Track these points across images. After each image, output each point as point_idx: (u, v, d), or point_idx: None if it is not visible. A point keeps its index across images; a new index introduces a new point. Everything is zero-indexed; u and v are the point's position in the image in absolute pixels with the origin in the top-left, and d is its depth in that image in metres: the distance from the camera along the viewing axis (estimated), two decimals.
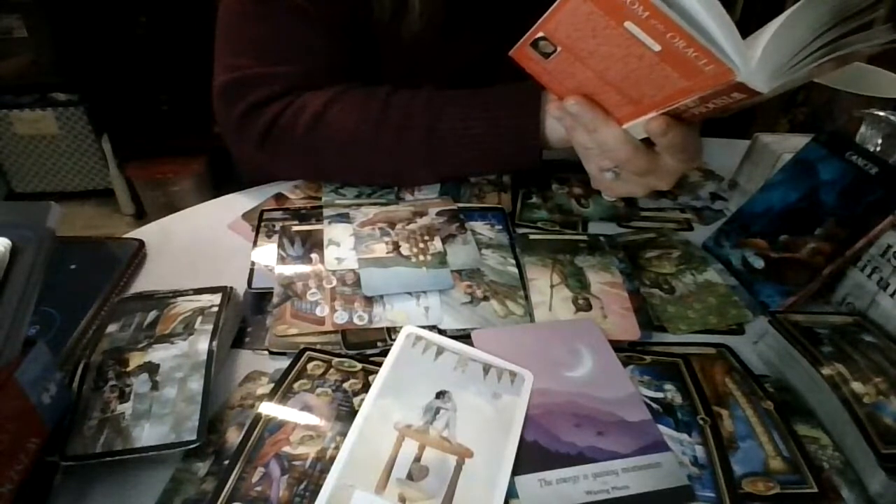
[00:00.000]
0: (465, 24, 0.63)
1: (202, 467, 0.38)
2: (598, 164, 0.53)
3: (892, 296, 0.48)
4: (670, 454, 0.39)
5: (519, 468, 0.38)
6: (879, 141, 0.60)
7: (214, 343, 0.44)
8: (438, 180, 0.65)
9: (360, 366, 0.45)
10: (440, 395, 0.41)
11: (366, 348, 0.47)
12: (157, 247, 0.59)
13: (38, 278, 0.37)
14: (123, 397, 0.40)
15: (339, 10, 0.60)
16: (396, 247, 0.54)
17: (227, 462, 0.38)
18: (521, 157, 0.60)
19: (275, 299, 0.50)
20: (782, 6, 0.35)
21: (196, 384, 0.41)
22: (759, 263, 0.55)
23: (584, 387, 0.43)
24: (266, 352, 0.47)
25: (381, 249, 0.54)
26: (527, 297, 0.52)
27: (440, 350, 0.45)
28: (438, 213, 0.59)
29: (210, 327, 0.45)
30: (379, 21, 0.60)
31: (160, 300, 0.48)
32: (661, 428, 0.41)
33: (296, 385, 0.43)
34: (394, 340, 0.45)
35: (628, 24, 0.38)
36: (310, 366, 0.45)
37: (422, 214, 0.58)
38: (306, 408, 0.41)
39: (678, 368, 0.45)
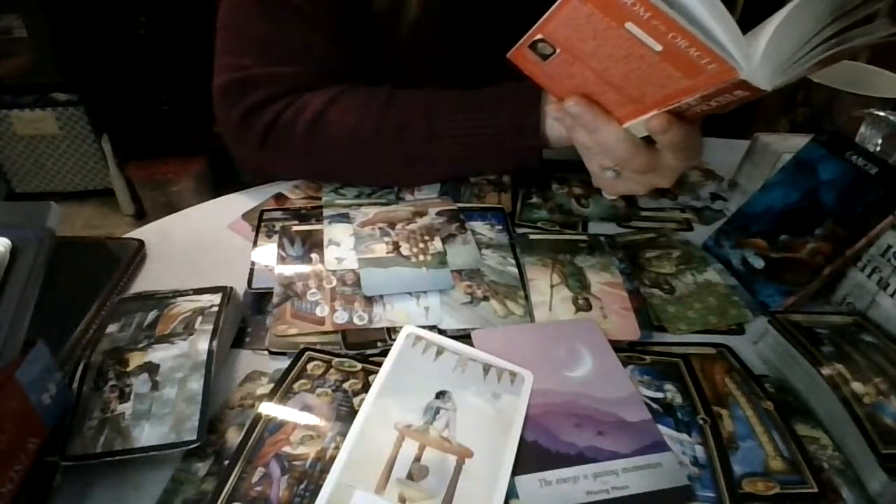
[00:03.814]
0: (464, 20, 0.63)
1: (202, 467, 0.38)
2: (598, 162, 0.53)
3: (892, 296, 0.48)
4: (670, 454, 0.39)
5: (519, 468, 0.38)
6: (879, 141, 0.60)
7: (214, 343, 0.44)
8: (438, 180, 0.65)
9: (360, 366, 0.45)
10: (440, 395, 0.41)
11: (366, 348, 0.47)
12: (157, 247, 0.59)
13: (38, 278, 0.37)
14: (123, 397, 0.40)
15: (339, 9, 0.60)
16: (396, 247, 0.54)
17: (227, 462, 0.38)
18: (522, 157, 0.60)
19: (275, 299, 0.50)
20: (782, 3, 0.35)
21: (196, 384, 0.41)
22: (759, 263, 0.55)
23: (583, 387, 0.43)
24: (266, 352, 0.47)
25: (381, 249, 0.54)
26: (527, 297, 0.52)
27: (440, 350, 0.45)
28: (438, 213, 0.59)
29: (210, 327, 0.45)
30: (378, 14, 0.60)
31: (160, 300, 0.48)
32: (661, 428, 0.41)
33: (296, 385, 0.43)
34: (394, 340, 0.46)
35: (629, 25, 0.37)
36: (310, 366, 0.45)
37: (422, 214, 0.58)
38: (306, 408, 0.41)
39: (678, 368, 0.45)
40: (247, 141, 0.62)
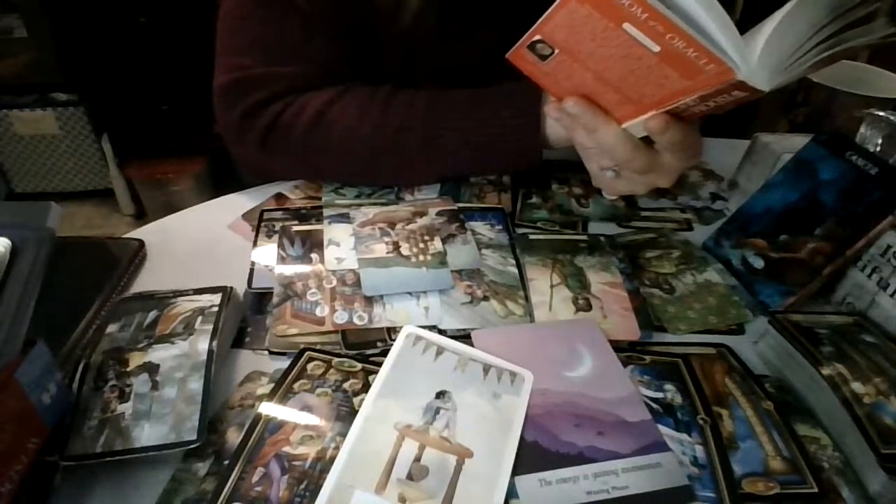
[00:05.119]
0: (463, 19, 0.63)
1: (202, 467, 0.38)
2: (598, 163, 0.53)
3: (892, 296, 0.48)
4: (670, 454, 0.39)
5: (519, 468, 0.38)
6: (879, 141, 0.60)
7: (214, 343, 0.44)
8: (439, 180, 0.65)
9: (360, 366, 0.45)
10: (440, 395, 0.41)
11: (366, 348, 0.47)
12: (157, 247, 0.59)
13: (38, 278, 0.37)
14: (123, 397, 0.40)
15: (339, 9, 0.60)
16: (396, 247, 0.54)
17: (227, 462, 0.38)
18: (522, 157, 0.60)
19: (275, 299, 0.50)
20: (781, 3, 0.35)
21: (196, 384, 0.41)
22: (759, 263, 0.55)
23: (583, 387, 0.43)
24: (266, 352, 0.47)
25: (381, 249, 0.54)
26: (527, 297, 0.52)
27: (440, 350, 0.45)
28: (438, 213, 0.59)
29: (210, 327, 0.45)
30: (379, 13, 0.60)
31: (160, 300, 0.48)
32: (661, 428, 0.41)
33: (296, 385, 0.43)
34: (394, 340, 0.46)
35: (627, 26, 0.37)
36: (310, 366, 0.45)
37: (422, 214, 0.58)
38: (306, 408, 0.41)
39: (678, 368, 0.45)
40: (247, 141, 0.62)
